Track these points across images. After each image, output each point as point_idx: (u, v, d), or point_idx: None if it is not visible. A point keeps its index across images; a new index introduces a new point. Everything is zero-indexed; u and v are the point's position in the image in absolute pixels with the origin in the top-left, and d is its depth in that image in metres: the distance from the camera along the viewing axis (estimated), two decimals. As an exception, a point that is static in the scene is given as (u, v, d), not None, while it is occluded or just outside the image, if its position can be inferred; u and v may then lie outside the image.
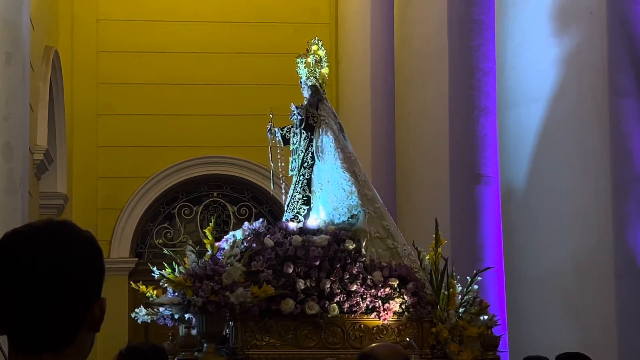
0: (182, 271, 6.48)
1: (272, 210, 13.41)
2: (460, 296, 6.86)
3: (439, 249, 6.94)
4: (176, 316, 6.55)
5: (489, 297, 9.25)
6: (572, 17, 7.12)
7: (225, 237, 6.98)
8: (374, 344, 3.82)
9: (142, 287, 6.73)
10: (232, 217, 13.53)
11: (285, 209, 7.21)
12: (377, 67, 12.38)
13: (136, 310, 6.81)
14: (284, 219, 7.11)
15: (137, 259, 13.25)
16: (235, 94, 13.46)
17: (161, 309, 6.56)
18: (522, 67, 7.32)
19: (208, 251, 6.61)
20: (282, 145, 7.29)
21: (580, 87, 7.05)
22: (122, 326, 12.29)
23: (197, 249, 6.74)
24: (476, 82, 9.87)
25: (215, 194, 13.78)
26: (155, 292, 6.70)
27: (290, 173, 7.16)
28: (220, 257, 6.57)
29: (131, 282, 7.01)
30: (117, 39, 13.43)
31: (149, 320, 6.80)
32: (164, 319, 6.65)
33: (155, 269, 6.66)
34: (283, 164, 7.26)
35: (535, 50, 7.24)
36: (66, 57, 12.82)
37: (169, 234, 13.66)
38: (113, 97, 13.36)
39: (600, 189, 6.95)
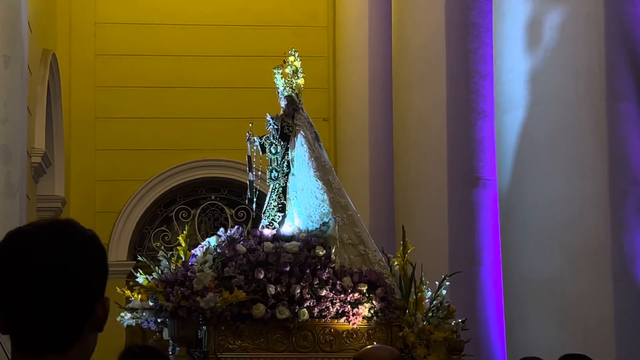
0: (155, 276, 6.60)
1: (269, 213, 13.42)
2: (429, 301, 6.95)
3: (407, 255, 7.02)
4: (159, 320, 6.66)
5: (487, 300, 9.26)
6: (570, 20, 7.12)
7: (201, 243, 7.11)
8: (368, 346, 3.83)
9: (127, 292, 6.80)
10: (229, 220, 13.54)
11: (262, 215, 7.34)
12: (374, 70, 12.39)
13: (121, 314, 6.87)
14: (260, 226, 7.23)
15: (134, 262, 13.24)
16: (233, 97, 13.46)
17: (130, 321, 6.71)
18: (520, 70, 7.33)
19: (181, 257, 6.77)
20: (261, 154, 7.42)
21: (577, 91, 7.06)
22: (120, 328, 12.26)
23: (169, 254, 6.84)
24: (474, 85, 9.87)
25: (213, 197, 13.78)
26: (140, 296, 6.74)
27: (269, 182, 7.30)
28: (193, 263, 6.68)
29: (117, 287, 7.06)
30: (115, 42, 13.43)
31: (133, 324, 6.88)
32: (148, 322, 6.76)
33: (139, 274, 6.74)
34: (259, 172, 7.41)
35: (532, 54, 7.24)
36: (64, 61, 12.82)
37: (166, 237, 13.65)
38: (111, 100, 13.36)
39: (597, 193, 6.95)
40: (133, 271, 6.97)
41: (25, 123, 8.69)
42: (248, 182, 7.47)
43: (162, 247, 7.57)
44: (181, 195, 13.77)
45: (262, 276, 6.66)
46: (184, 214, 13.71)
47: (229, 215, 13.65)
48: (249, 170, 7.39)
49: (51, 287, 1.73)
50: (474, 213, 9.67)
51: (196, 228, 13.63)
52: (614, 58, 7.06)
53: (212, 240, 6.99)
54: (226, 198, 13.80)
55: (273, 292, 6.64)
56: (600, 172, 6.96)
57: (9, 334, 1.77)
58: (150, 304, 6.57)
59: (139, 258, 7.28)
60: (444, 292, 6.99)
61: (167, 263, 6.73)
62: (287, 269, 6.71)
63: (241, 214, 13.65)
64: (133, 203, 13.41)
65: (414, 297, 6.88)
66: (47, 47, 11.89)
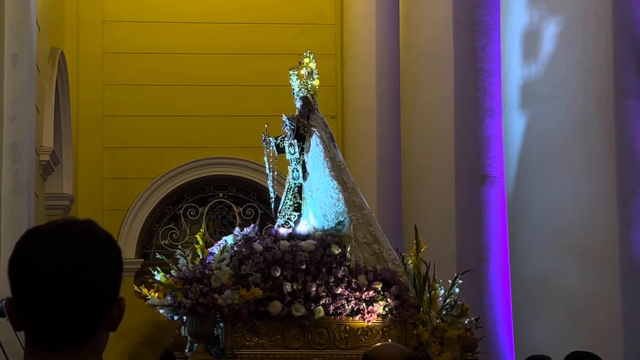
0: (174, 274, 6.69)
1: (277, 211, 13.43)
2: (442, 299, 7.03)
3: (420, 254, 7.10)
4: (176, 318, 6.75)
5: (495, 298, 9.26)
6: (578, 18, 7.12)
7: (218, 242, 7.22)
8: (378, 344, 3.85)
9: (144, 290, 6.88)
10: (237, 218, 13.55)
11: (278, 215, 7.43)
12: (382, 68, 12.39)
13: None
14: (275, 225, 7.33)
15: (142, 260, 13.27)
16: (241, 95, 13.47)
17: (161, 310, 6.75)
18: (527, 68, 7.33)
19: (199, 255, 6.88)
20: (277, 154, 7.52)
21: (585, 88, 7.06)
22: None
23: (186, 252, 6.92)
24: (481, 83, 9.87)
25: (220, 195, 13.79)
26: (156, 294, 6.81)
27: (293, 182, 7.37)
28: (211, 261, 6.76)
29: (134, 286, 7.16)
30: (122, 41, 13.45)
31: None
32: (172, 317, 6.88)
33: (157, 272, 6.81)
34: (277, 173, 7.50)
35: (540, 51, 7.24)
36: (72, 59, 12.84)
37: (174, 235, 13.67)
38: (119, 98, 13.39)
39: (605, 190, 6.95)
40: (151, 269, 7.03)
41: (33, 121, 8.72)
42: (268, 182, 7.58)
43: (179, 246, 7.66)
44: (189, 193, 13.78)
45: (278, 274, 6.77)
46: (192, 212, 13.73)
47: (236, 213, 13.66)
48: (268, 171, 7.50)
49: (70, 286, 1.74)
50: (482, 211, 9.67)
51: (204, 226, 13.64)
52: (622, 55, 7.06)
53: (229, 239, 7.09)
54: (234, 196, 13.81)
55: (289, 290, 6.75)
56: (608, 169, 6.96)
57: (23, 330, 1.78)
58: (169, 299, 6.67)
59: (157, 256, 7.39)
60: (457, 290, 7.04)
61: (185, 261, 6.81)
62: (304, 267, 6.81)
63: (249, 211, 13.66)
64: (141, 201, 13.43)
65: (428, 295, 6.95)
66: (55, 45, 11.91)
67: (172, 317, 6.92)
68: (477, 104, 9.86)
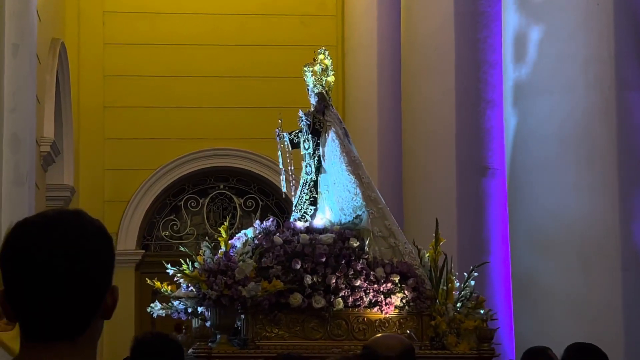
0: (197, 266, 6.83)
1: (278, 202, 13.44)
2: (458, 291, 7.13)
3: (438, 247, 7.21)
4: (190, 310, 6.90)
5: (495, 290, 9.27)
6: (579, 9, 7.11)
7: (237, 235, 7.33)
8: (378, 335, 3.87)
9: (157, 284, 6.99)
10: (238, 209, 13.55)
11: (293, 209, 7.55)
12: (383, 59, 12.38)
13: (151, 305, 7.13)
14: (291, 219, 7.45)
15: (143, 251, 13.28)
16: (242, 86, 13.46)
17: (175, 302, 6.91)
18: (529, 59, 7.32)
19: (221, 248, 6.98)
20: (290, 149, 7.61)
21: (587, 80, 7.05)
22: (129, 318, 12.32)
23: (212, 244, 7.09)
24: (482, 74, 9.86)
25: (221, 186, 13.79)
26: (169, 287, 6.96)
27: (306, 177, 7.46)
28: (233, 254, 6.91)
29: (147, 279, 7.23)
30: (123, 31, 13.44)
31: (163, 314, 7.14)
32: (178, 312, 6.99)
33: (169, 265, 6.90)
34: (292, 167, 7.56)
35: (542, 43, 7.23)
36: (73, 50, 12.83)
37: (175, 226, 13.68)
38: (120, 89, 13.38)
39: (606, 182, 6.95)
40: (164, 263, 7.08)
41: (34, 112, 8.71)
42: (281, 177, 7.64)
43: (206, 238, 7.76)
44: (190, 185, 13.78)
45: (299, 266, 6.90)
46: (192, 203, 13.73)
47: (237, 205, 13.66)
48: (281, 166, 7.58)
49: (63, 279, 1.74)
50: (483, 202, 9.67)
51: (205, 217, 13.65)
52: (624, 47, 7.05)
53: (249, 232, 7.21)
54: (235, 187, 13.81)
55: (309, 282, 6.88)
56: (609, 161, 6.95)
57: (18, 321, 1.78)
58: (182, 292, 6.79)
59: (181, 249, 7.50)
60: (472, 282, 7.11)
61: (209, 253, 6.93)
62: (323, 259, 6.94)
63: (250, 203, 13.66)
64: (142, 192, 13.43)
65: (444, 287, 7.07)
66: (56, 36, 11.90)
67: (178, 315, 6.95)
68: (478, 95, 9.85)
